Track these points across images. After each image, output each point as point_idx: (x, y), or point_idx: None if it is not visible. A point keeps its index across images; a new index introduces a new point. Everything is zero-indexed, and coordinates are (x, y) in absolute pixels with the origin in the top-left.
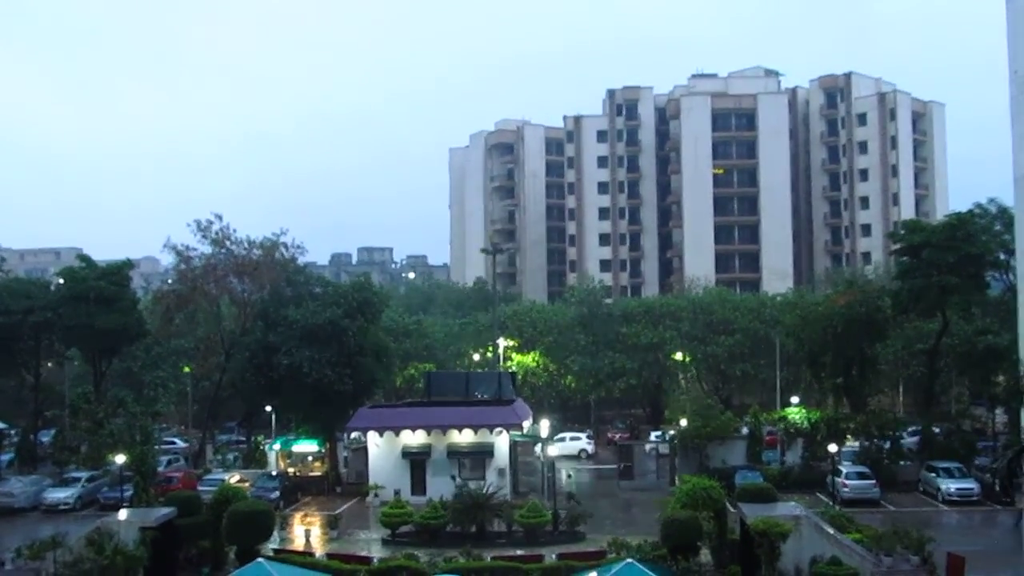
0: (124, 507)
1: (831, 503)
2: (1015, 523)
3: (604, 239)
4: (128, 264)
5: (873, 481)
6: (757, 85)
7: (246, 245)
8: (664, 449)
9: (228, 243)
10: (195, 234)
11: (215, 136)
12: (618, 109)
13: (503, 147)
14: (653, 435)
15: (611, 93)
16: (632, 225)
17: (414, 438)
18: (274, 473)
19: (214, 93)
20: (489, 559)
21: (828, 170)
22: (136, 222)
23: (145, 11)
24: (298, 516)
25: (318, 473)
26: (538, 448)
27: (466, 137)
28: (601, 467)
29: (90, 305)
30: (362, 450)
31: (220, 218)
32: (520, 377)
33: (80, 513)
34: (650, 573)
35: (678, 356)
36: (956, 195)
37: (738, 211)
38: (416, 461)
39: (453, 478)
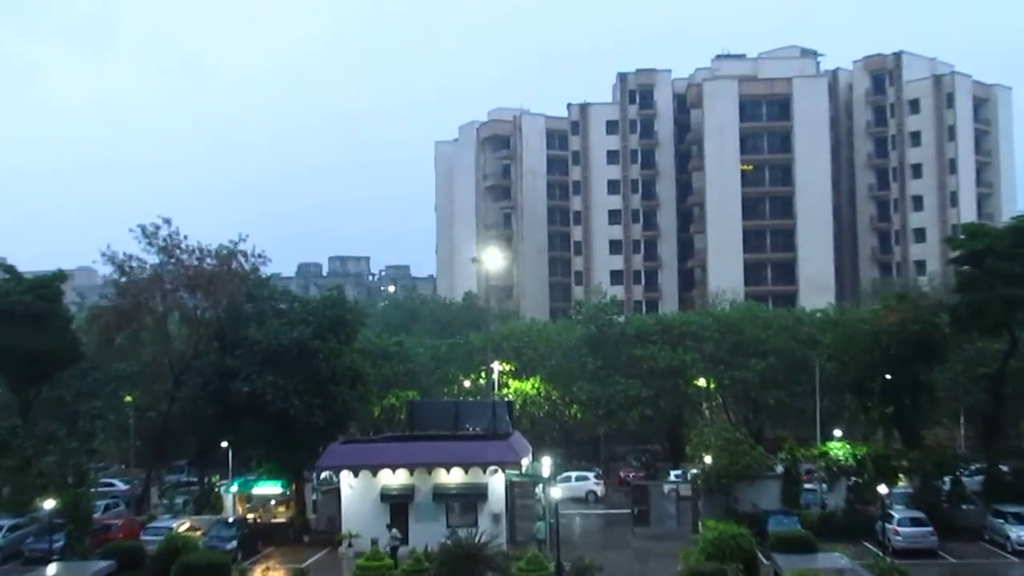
0: (54, 560)
1: (881, 554)
2: None
3: (615, 247)
4: (60, 276)
5: (930, 528)
6: (792, 67)
7: (198, 254)
8: (685, 490)
9: (178, 252)
10: (139, 241)
11: (163, 133)
12: (631, 96)
13: (498, 140)
14: (672, 474)
15: (622, 77)
16: (647, 230)
17: (395, 478)
18: (231, 520)
19: (163, 85)
20: None
21: (875, 165)
22: (69, 228)
23: None
24: (259, 570)
25: (282, 519)
26: (539, 489)
27: (455, 129)
28: (612, 511)
29: (15, 324)
30: (334, 492)
31: (168, 223)
32: (518, 407)
33: (1, 568)
34: None
35: (701, 382)
36: None
37: (770, 213)
38: (397, 505)
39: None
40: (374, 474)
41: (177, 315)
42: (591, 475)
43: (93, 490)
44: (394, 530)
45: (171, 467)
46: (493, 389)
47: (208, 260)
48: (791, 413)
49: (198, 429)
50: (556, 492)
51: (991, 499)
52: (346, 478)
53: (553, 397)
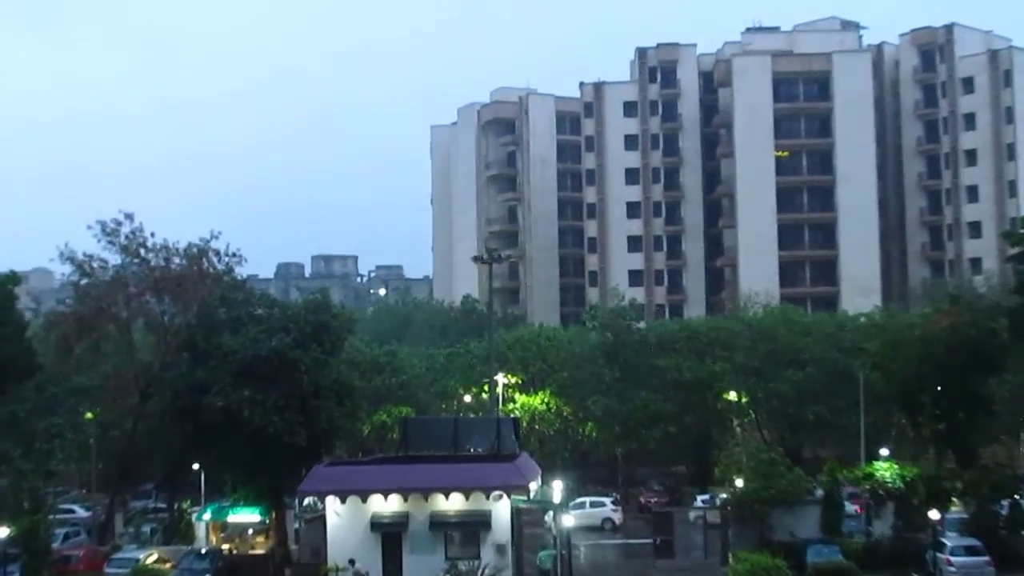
0: None
1: None
2: None
3: (634, 243)
4: (12, 278)
5: (986, 558)
6: (831, 41)
7: (165, 253)
8: (714, 518)
9: (142, 251)
10: (99, 239)
11: (129, 124)
12: (651, 74)
13: (502, 124)
14: (699, 499)
15: (641, 53)
16: (670, 225)
17: (387, 505)
18: (204, 551)
19: (129, 74)
20: None
21: (925, 151)
22: (23, 226)
23: None
24: None
25: (261, 550)
26: (549, 517)
27: (453, 112)
28: (631, 542)
29: None
30: (319, 520)
31: (131, 218)
32: (525, 424)
33: None
34: None
35: (731, 396)
36: None
37: (808, 206)
38: (389, 535)
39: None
40: (364, 500)
41: (142, 322)
42: (608, 501)
43: (51, 517)
44: (357, 564)
45: (137, 492)
46: (497, 404)
47: (176, 260)
48: (832, 430)
49: (167, 449)
50: (568, 520)
51: None
52: (332, 504)
53: (565, 413)
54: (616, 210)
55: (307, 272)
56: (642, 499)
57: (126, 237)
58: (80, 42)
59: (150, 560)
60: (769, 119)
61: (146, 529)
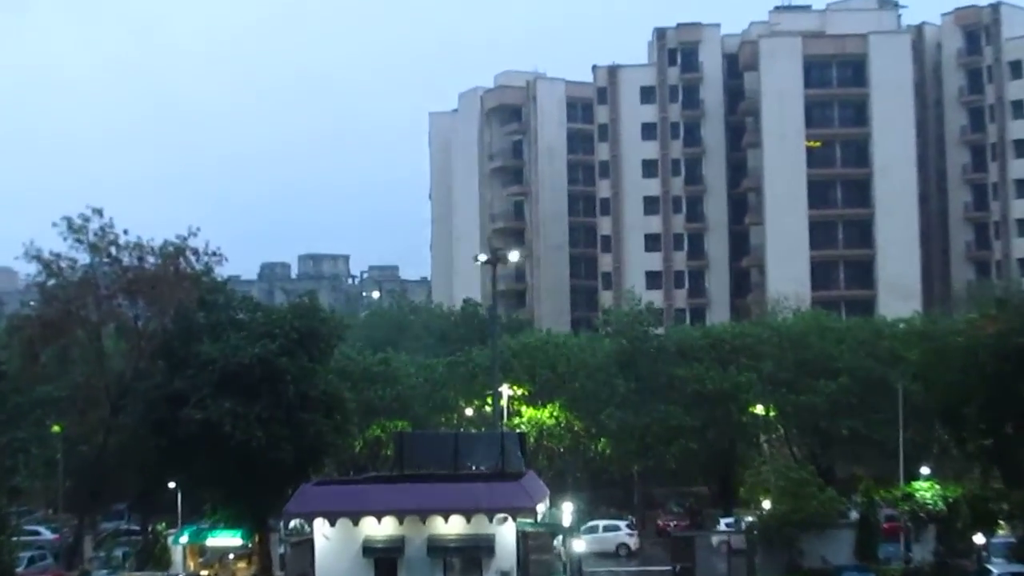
0: None
1: None
2: None
3: (652, 242)
4: None
5: None
6: (868, 21)
7: (138, 252)
8: (739, 543)
9: (113, 249)
10: (65, 237)
11: (96, 103)
12: (671, 56)
13: (507, 111)
14: (723, 523)
15: (660, 34)
16: (692, 222)
17: (380, 528)
18: None
19: (93, 43)
20: None
21: (969, 141)
22: None
23: None
24: None
25: None
26: (558, 542)
27: (454, 98)
28: (649, 569)
29: None
30: (306, 544)
31: (100, 214)
32: (532, 440)
33: None
34: None
35: (758, 409)
36: None
37: (843, 201)
38: (383, 560)
39: None
40: (355, 523)
41: (114, 327)
42: (623, 524)
43: (15, 539)
44: None
45: (108, 512)
46: (501, 418)
47: (150, 259)
48: (868, 446)
49: (140, 466)
50: (579, 545)
51: None
52: (320, 527)
53: (576, 428)
54: (632, 205)
55: (294, 273)
56: (660, 522)
57: (95, 234)
58: (54, 29)
59: None
60: (800, 106)
61: (118, 553)
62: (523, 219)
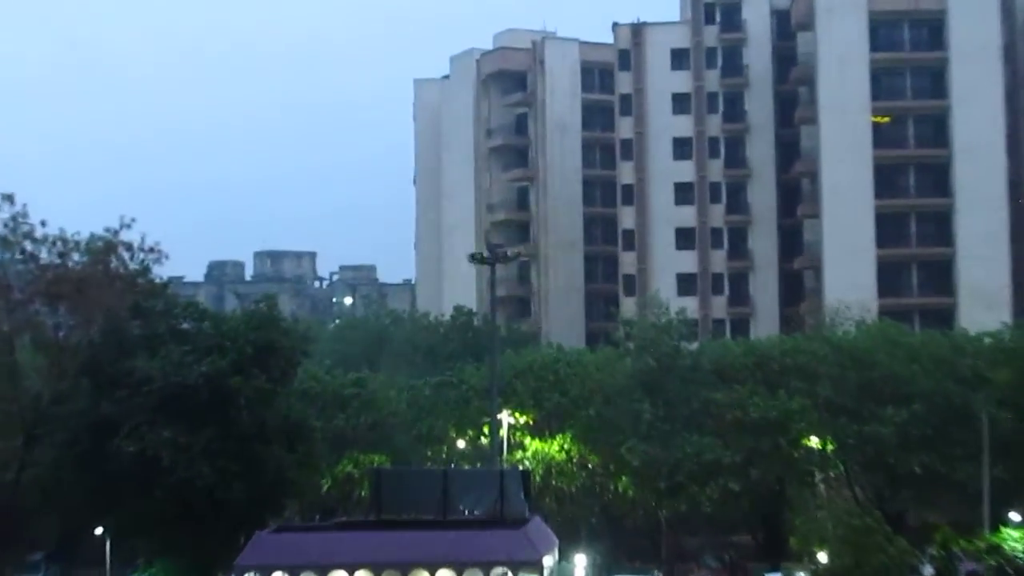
0: None
1: None
2: None
3: (684, 238)
4: None
5: None
6: None
7: (60, 247)
8: None
9: (29, 244)
10: None
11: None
12: (708, 13)
13: (509, 78)
14: None
15: None
16: (733, 214)
17: None
18: None
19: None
20: None
21: None
22: None
23: None
24: None
25: None
26: None
27: (445, 62)
28: None
29: None
30: None
31: (11, 200)
32: (538, 478)
33: None
34: None
35: (813, 441)
36: None
37: (916, 189)
38: None
39: None
40: None
41: (29, 338)
42: None
43: None
44: None
45: (22, 563)
46: (501, 452)
47: (74, 256)
48: (946, 487)
49: (61, 508)
50: None
51: None
52: None
53: (591, 464)
54: (660, 193)
55: (248, 274)
56: None
57: (5, 226)
58: None
59: None
60: (865, 74)
61: None
62: (527, 209)
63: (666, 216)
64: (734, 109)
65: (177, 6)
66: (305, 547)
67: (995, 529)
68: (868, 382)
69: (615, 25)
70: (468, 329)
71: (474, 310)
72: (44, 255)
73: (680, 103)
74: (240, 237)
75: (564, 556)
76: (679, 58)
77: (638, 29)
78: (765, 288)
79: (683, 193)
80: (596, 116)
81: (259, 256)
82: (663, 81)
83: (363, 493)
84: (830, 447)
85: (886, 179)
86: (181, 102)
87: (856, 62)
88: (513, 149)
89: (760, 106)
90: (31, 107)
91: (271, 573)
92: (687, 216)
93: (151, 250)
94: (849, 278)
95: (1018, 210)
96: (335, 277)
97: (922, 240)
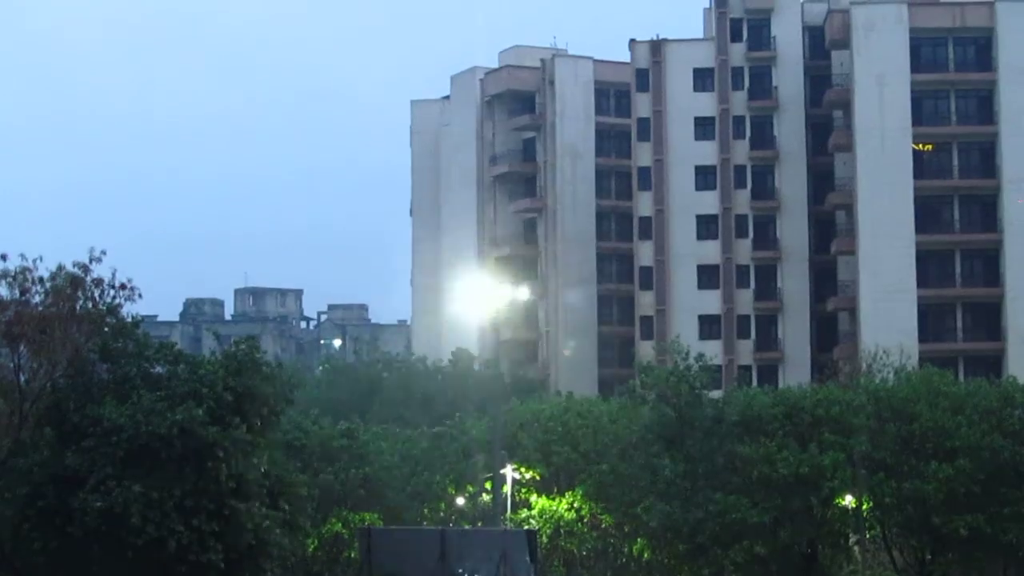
0: None
1: None
2: None
3: (707, 276)
4: None
5: None
6: None
7: (21, 282)
8: None
9: None
10: None
11: None
12: (733, 29)
13: (516, 99)
14: None
15: (721, 1)
16: (761, 250)
17: None
18: None
19: None
20: None
21: None
22: None
23: None
24: None
25: None
26: None
27: (445, 81)
28: None
29: None
30: None
31: None
32: (546, 540)
33: None
34: None
35: (848, 500)
36: None
37: (961, 223)
38: None
39: None
40: None
41: None
42: None
43: None
44: None
45: None
46: (504, 511)
47: (37, 293)
48: (994, 550)
49: (20, 569)
50: None
51: None
52: None
53: (604, 524)
54: (682, 227)
55: (228, 313)
56: None
57: None
58: None
59: None
60: (905, 96)
61: None
62: (535, 244)
63: (688, 252)
64: (762, 134)
65: (156, 54)
66: None
67: None
68: (908, 435)
69: (632, 42)
70: (468, 376)
71: (475, 355)
72: (3, 291)
73: (703, 127)
74: (219, 273)
75: None
76: (702, 78)
77: (657, 46)
78: (796, 331)
79: (706, 226)
80: (611, 141)
81: (240, 293)
82: (685, 103)
83: (352, 554)
84: (866, 506)
85: (928, 212)
86: (157, 127)
87: (896, 83)
88: (519, 177)
89: (791, 131)
90: None
91: None
92: (711, 252)
93: (122, 287)
94: (888, 321)
95: None
96: (323, 317)
97: (967, 280)
